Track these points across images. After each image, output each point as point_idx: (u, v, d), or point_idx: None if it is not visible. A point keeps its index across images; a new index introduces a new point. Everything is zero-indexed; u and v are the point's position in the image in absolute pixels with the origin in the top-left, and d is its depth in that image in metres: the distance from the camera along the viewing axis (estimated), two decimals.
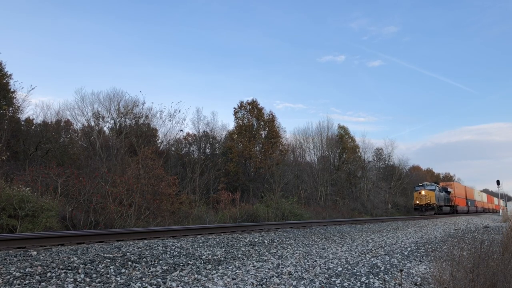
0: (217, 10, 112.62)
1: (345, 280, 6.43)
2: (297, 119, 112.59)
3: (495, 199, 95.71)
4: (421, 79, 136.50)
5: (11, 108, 28.01)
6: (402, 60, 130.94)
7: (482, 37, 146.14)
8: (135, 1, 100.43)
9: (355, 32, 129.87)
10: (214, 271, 6.35)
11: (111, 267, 5.85)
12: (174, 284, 5.38)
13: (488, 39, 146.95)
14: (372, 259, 8.70)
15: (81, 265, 5.74)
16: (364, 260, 8.57)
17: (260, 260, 7.68)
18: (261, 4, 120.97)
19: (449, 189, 48.46)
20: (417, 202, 40.81)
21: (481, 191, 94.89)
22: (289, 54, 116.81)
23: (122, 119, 36.05)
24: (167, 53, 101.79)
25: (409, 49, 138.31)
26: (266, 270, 6.72)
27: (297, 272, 6.77)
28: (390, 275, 7.23)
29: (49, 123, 33.16)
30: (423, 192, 40.75)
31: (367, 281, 6.54)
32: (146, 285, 5.22)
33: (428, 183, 43.12)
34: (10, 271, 5.21)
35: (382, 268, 7.77)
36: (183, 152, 40.56)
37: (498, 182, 58.77)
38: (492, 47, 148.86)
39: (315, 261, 7.98)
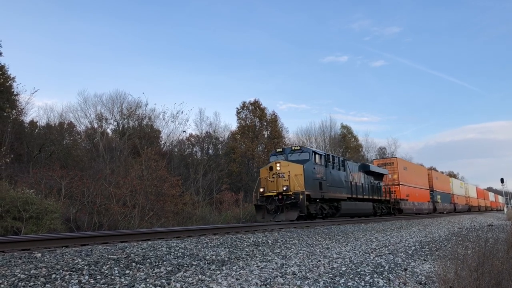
0: (219, 11, 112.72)
1: (349, 280, 6.42)
2: (300, 119, 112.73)
3: (491, 195, 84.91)
4: (424, 78, 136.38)
5: (14, 111, 28.11)
6: (405, 59, 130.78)
7: (486, 36, 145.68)
8: (138, 3, 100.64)
9: (358, 32, 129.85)
10: (218, 272, 6.36)
11: (115, 268, 5.86)
12: (178, 285, 5.38)
13: (491, 38, 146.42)
14: (376, 259, 8.68)
15: (85, 267, 5.75)
16: (368, 259, 8.55)
17: (264, 260, 7.68)
18: (263, 5, 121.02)
19: (378, 170, 27.15)
20: (261, 190, 18.35)
21: (485, 189, 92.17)
22: (292, 54, 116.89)
23: (125, 120, 36.15)
24: (170, 54, 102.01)
25: (412, 48, 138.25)
26: (270, 270, 6.72)
27: (301, 272, 6.76)
28: (395, 274, 7.21)
29: (53, 125, 33.31)
30: (277, 167, 18.15)
31: (371, 280, 6.53)
32: (151, 286, 5.23)
33: (297, 148, 19.81)
34: (15, 273, 5.23)
35: (386, 267, 7.75)
36: (186, 153, 40.62)
37: (502, 180, 58.56)
38: (496, 45, 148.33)
39: (319, 260, 7.97)
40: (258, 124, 43.40)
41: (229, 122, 69.67)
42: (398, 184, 31.02)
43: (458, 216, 35.48)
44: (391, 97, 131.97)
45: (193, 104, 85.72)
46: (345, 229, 14.32)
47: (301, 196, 17.02)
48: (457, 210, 48.37)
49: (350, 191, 22.00)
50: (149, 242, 8.46)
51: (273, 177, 18.06)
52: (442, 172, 67.85)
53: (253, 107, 43.60)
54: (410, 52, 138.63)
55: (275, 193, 17.65)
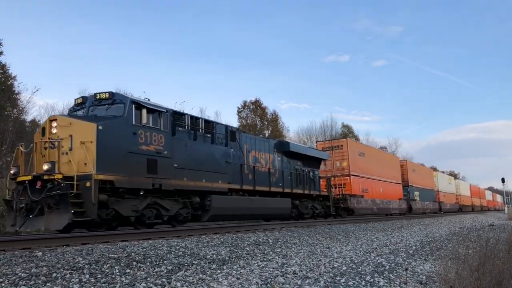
0: (221, 10, 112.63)
1: (350, 279, 6.41)
2: (301, 118, 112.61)
3: (488, 193, 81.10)
4: (425, 78, 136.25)
5: (15, 110, 28.15)
6: (407, 58, 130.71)
7: (487, 35, 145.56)
8: (139, 2, 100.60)
9: (359, 32, 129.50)
10: (219, 271, 6.36)
11: (116, 267, 5.87)
12: (179, 284, 5.38)
13: (493, 37, 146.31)
14: (377, 258, 8.68)
15: (86, 266, 5.76)
16: (369, 259, 8.55)
17: (265, 259, 7.68)
18: (265, 5, 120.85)
19: (308, 152, 20.08)
20: (12, 171, 10.48)
21: (486, 189, 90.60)
22: (294, 54, 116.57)
23: None
24: (171, 53, 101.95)
25: (413, 48, 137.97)
26: (271, 269, 6.72)
27: (301, 271, 6.76)
28: (395, 274, 7.21)
29: None
30: (53, 128, 10.29)
31: (372, 280, 6.52)
32: (151, 285, 5.23)
33: (104, 95, 11.31)
34: (16, 271, 5.23)
35: (387, 267, 7.75)
36: None
37: (503, 180, 58.43)
38: (497, 45, 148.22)
39: (320, 260, 7.96)
40: (259, 124, 43.42)
41: (230, 121, 69.32)
42: (349, 175, 23.06)
43: (459, 216, 35.40)
44: (392, 97, 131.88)
45: (193, 103, 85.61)
46: (346, 229, 14.32)
47: (87, 184, 9.66)
48: (444, 210, 41.65)
49: (239, 179, 14.46)
50: (150, 241, 8.47)
51: (45, 147, 10.25)
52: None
53: (254, 106, 43.65)
54: (412, 51, 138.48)
55: (31, 177, 9.83)
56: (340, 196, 22.41)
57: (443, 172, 63.73)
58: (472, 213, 44.34)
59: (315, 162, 20.33)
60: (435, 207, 38.91)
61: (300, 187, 18.28)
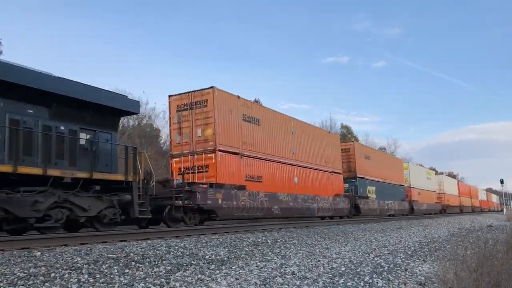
0: (222, 10, 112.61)
1: (349, 280, 6.41)
2: (301, 119, 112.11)
3: (481, 193, 76.45)
4: (425, 79, 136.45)
5: None
6: (406, 60, 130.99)
7: (487, 36, 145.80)
8: (140, 2, 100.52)
9: (359, 33, 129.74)
10: (218, 271, 6.35)
11: (115, 267, 5.86)
12: (177, 284, 5.38)
13: (492, 38, 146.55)
14: (375, 259, 8.68)
15: (84, 266, 5.75)
16: (367, 259, 8.55)
17: (264, 260, 7.67)
18: (266, 5, 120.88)
19: (76, 94, 9.74)
20: None
21: (484, 189, 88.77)
22: (294, 55, 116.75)
23: (125, 119, 36.08)
24: (171, 53, 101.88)
25: (412, 49, 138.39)
26: (270, 270, 6.72)
27: (300, 272, 6.76)
28: (394, 275, 7.21)
29: None
30: None
31: (370, 280, 6.53)
32: (150, 285, 5.22)
33: None
34: (14, 271, 5.22)
35: (386, 267, 7.75)
36: None
37: (502, 181, 58.54)
38: (497, 46, 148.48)
39: (319, 260, 7.96)
40: None
41: None
42: (214, 150, 14.17)
43: (458, 216, 35.33)
44: (391, 98, 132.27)
45: None
46: (345, 229, 14.32)
47: None
48: (418, 211, 33.62)
49: None
50: (149, 241, 8.46)
51: None
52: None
53: None
54: (411, 52, 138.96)
55: None
56: (183, 186, 12.98)
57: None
58: (460, 215, 37.98)
59: (100, 115, 10.77)
60: (403, 208, 30.83)
61: (25, 162, 9.05)
